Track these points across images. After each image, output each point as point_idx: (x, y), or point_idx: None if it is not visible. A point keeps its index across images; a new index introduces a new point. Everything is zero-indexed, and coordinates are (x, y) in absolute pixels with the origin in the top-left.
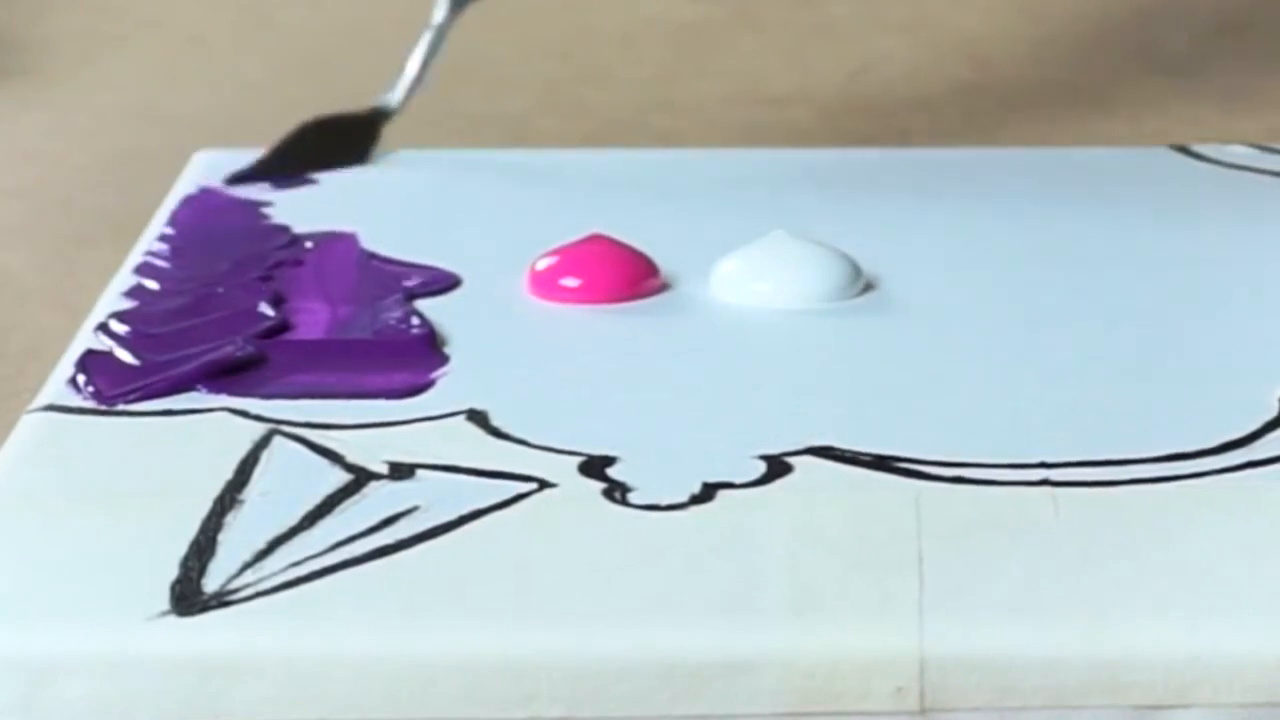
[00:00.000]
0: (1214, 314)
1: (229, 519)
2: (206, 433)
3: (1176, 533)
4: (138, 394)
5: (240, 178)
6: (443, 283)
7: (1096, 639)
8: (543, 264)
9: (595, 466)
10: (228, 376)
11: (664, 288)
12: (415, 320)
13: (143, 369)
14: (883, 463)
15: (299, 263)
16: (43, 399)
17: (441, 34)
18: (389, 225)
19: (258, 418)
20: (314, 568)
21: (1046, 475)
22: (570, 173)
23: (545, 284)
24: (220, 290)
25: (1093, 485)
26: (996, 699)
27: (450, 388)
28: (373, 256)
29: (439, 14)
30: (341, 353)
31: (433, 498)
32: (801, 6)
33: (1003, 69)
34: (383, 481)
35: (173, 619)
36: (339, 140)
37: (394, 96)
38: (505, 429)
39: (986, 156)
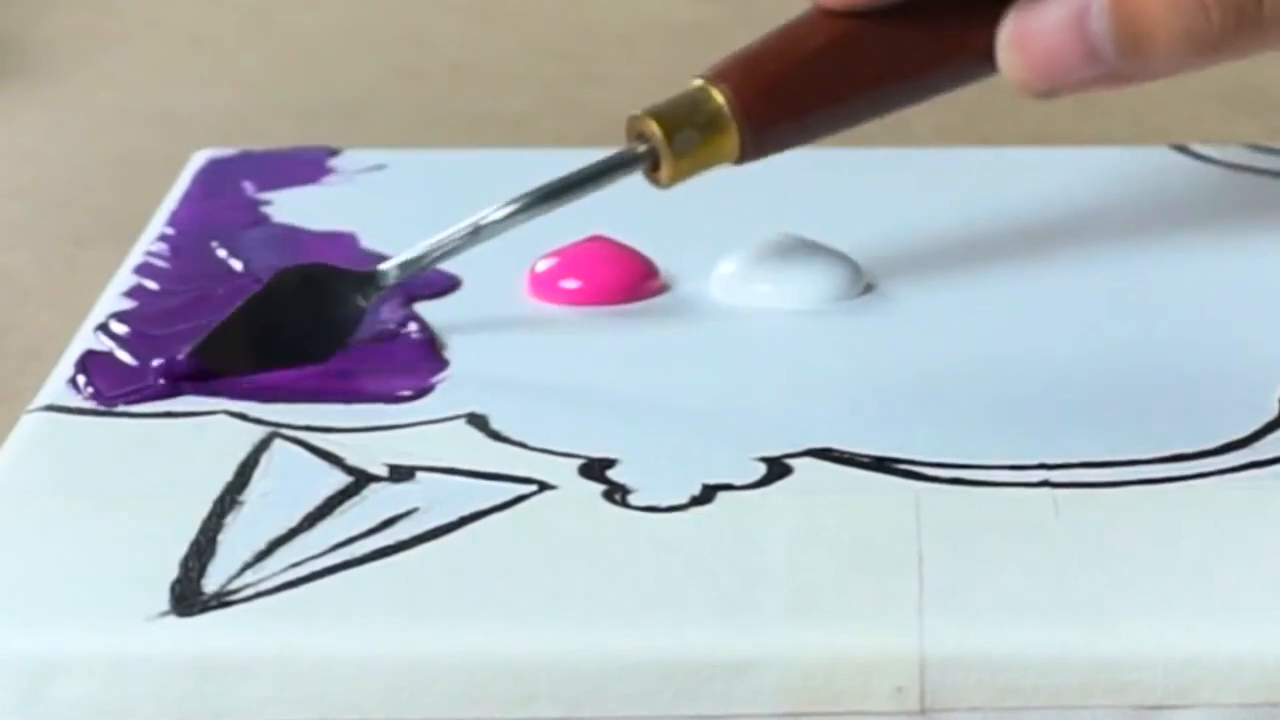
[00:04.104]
0: (1214, 314)
1: (229, 520)
2: (206, 434)
3: (1176, 533)
4: (137, 394)
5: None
6: (442, 284)
7: (1096, 639)
8: (542, 266)
9: (595, 468)
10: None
11: (664, 289)
12: (415, 324)
13: (143, 369)
14: (882, 464)
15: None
16: (43, 399)
17: (478, 234)
18: (389, 225)
19: (257, 420)
20: (314, 569)
21: (1046, 476)
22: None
23: (545, 286)
24: (220, 290)
25: (1093, 486)
26: (996, 699)
27: (450, 390)
28: (373, 257)
29: (492, 214)
30: (341, 356)
31: (432, 499)
32: (801, 7)
33: None
34: (382, 483)
35: (173, 619)
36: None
37: (391, 268)
38: (505, 432)
39: (986, 156)
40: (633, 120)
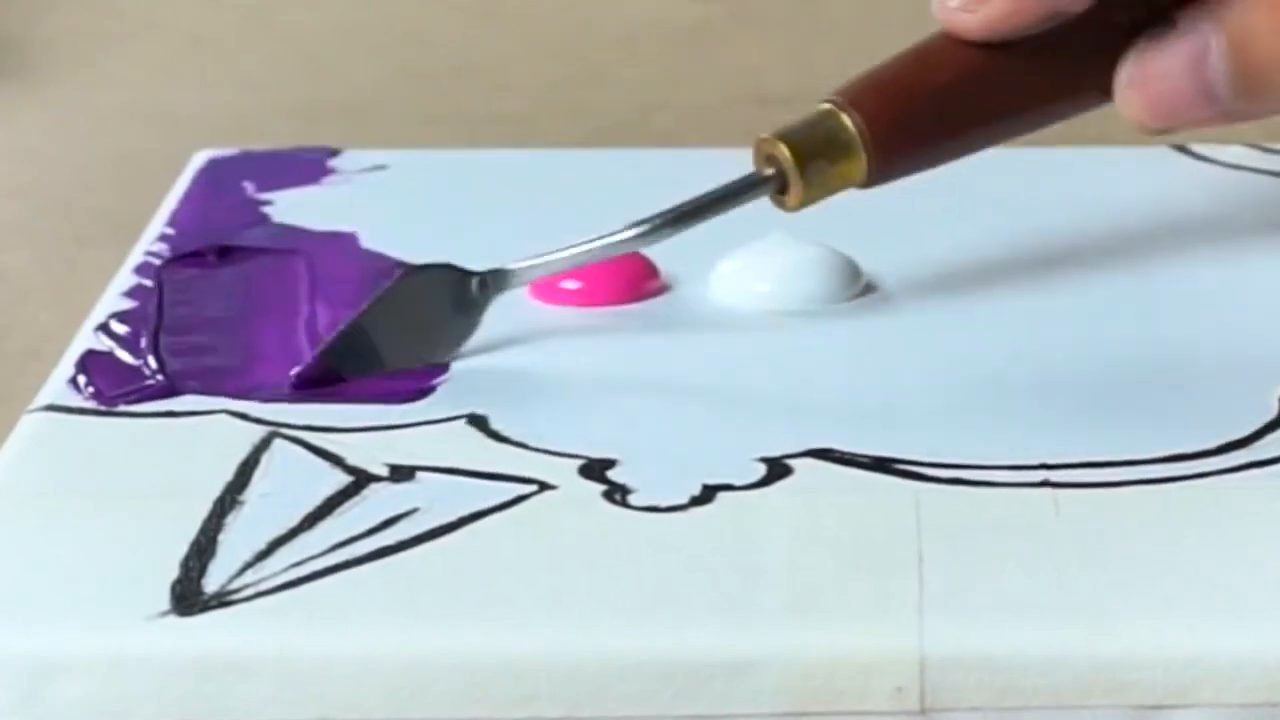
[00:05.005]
0: (1214, 314)
1: (229, 520)
2: (207, 434)
3: (1176, 533)
4: (138, 394)
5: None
6: None
7: (1096, 639)
8: None
9: (595, 469)
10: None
11: (664, 289)
12: None
13: (143, 369)
14: (882, 464)
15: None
16: (43, 399)
17: (605, 251)
18: (389, 225)
19: (258, 420)
20: (314, 568)
21: (1046, 476)
22: (570, 173)
23: (545, 287)
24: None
25: (1093, 486)
26: (996, 699)
27: (450, 391)
28: (373, 256)
29: (621, 235)
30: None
31: (433, 499)
32: (801, 6)
33: None
34: (383, 483)
35: (173, 619)
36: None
37: (518, 269)
38: (505, 432)
39: (986, 156)
40: (762, 142)
